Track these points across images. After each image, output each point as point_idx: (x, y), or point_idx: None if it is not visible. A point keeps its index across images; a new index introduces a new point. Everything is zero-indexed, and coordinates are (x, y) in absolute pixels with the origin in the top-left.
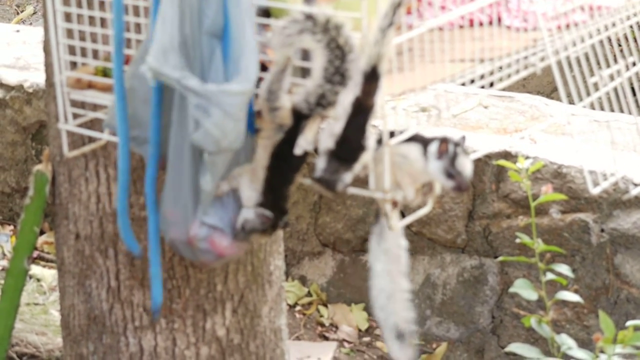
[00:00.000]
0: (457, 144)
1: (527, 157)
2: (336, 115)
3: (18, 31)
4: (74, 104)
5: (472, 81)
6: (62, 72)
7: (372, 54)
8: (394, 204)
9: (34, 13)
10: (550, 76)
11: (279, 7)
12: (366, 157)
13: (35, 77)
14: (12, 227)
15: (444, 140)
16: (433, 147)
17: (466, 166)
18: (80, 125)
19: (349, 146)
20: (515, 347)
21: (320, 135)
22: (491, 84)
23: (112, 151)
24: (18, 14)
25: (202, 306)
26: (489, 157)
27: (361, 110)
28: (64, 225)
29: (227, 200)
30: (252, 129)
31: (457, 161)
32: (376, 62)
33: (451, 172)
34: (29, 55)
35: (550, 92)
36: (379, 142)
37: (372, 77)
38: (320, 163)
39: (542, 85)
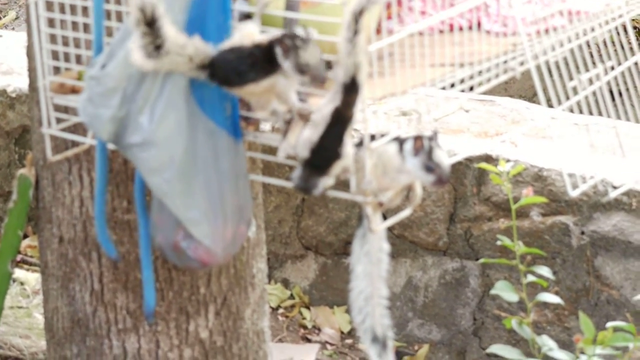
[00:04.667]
0: (431, 139)
1: (508, 161)
2: (315, 122)
3: (1, 36)
4: (57, 108)
5: (452, 85)
6: (46, 77)
7: (348, 65)
8: (379, 205)
9: (16, 18)
10: (532, 80)
11: (270, 15)
12: (343, 163)
13: (19, 82)
14: None
15: (418, 137)
16: (408, 145)
17: (443, 158)
18: (64, 130)
19: (323, 154)
20: (497, 349)
21: (298, 143)
22: (471, 88)
23: (95, 155)
24: (0, 18)
25: (185, 309)
26: (470, 160)
27: (340, 121)
28: (47, 228)
29: (215, 215)
30: (238, 133)
31: (434, 154)
32: (354, 72)
33: (430, 166)
34: (12, 60)
35: (532, 96)
36: (359, 145)
37: (351, 88)
38: (297, 170)
39: (524, 89)
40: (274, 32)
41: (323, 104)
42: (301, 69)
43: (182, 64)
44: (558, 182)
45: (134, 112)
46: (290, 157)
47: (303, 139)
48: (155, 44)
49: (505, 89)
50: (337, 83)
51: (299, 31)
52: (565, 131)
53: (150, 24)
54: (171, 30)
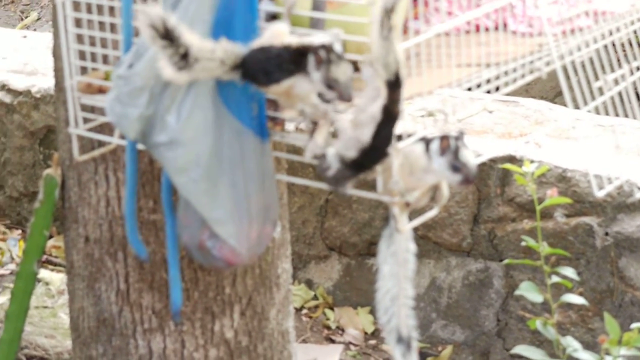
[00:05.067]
0: (457, 139)
1: (532, 161)
2: (358, 122)
3: (25, 37)
4: (84, 108)
5: (478, 85)
6: (73, 77)
7: (389, 62)
8: (406, 205)
9: (38, 19)
10: (553, 81)
11: (296, 15)
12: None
13: (43, 82)
14: (20, 231)
15: (444, 137)
16: (435, 145)
17: (469, 157)
18: (90, 130)
19: (374, 154)
20: (521, 350)
21: (342, 142)
22: (497, 89)
23: (121, 155)
24: (22, 19)
25: (210, 309)
26: (494, 161)
27: (390, 118)
28: (73, 228)
29: (240, 215)
30: (264, 133)
31: (460, 154)
32: (396, 68)
33: (456, 165)
34: (36, 61)
35: (554, 97)
36: None
37: (395, 84)
38: (334, 164)
39: (546, 90)
40: (308, 36)
41: (364, 104)
42: (329, 84)
43: (215, 68)
44: (582, 183)
45: (161, 111)
46: (316, 157)
47: (348, 139)
48: (180, 53)
49: (527, 90)
50: (380, 81)
51: (337, 46)
52: (590, 132)
53: (166, 36)
54: (194, 37)
